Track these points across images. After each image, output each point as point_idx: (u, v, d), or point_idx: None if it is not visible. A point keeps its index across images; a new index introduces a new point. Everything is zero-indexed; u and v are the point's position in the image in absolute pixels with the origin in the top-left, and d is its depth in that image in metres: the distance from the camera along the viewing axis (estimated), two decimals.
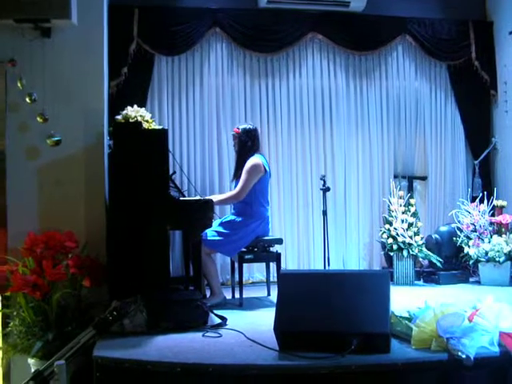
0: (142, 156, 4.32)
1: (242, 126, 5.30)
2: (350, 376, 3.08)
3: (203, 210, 4.48)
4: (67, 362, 3.31)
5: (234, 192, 5.13)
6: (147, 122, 4.73)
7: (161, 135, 4.46)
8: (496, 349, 3.19)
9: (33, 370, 3.61)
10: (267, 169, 5.21)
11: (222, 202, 5.30)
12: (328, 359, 3.10)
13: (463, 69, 6.90)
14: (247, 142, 5.21)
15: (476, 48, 6.85)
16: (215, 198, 5.11)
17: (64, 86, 4.63)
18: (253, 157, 5.15)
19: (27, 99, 4.41)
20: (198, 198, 4.81)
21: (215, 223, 5.04)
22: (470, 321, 3.38)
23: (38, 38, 4.50)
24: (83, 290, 4.25)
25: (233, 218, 5.13)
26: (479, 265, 5.96)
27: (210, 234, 4.96)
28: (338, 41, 6.60)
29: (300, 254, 6.55)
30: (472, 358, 3.02)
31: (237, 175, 5.23)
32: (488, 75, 6.89)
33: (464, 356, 3.02)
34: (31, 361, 4.00)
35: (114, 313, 3.64)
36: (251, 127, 5.31)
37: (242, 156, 5.21)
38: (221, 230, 5.01)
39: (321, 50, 6.65)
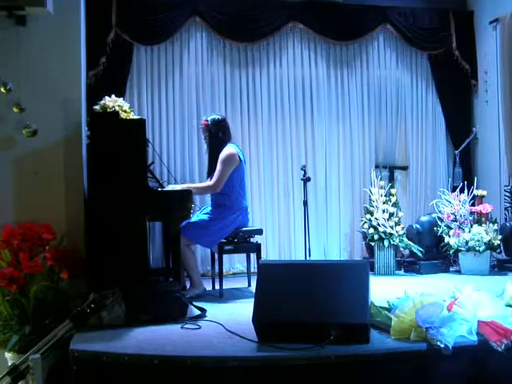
0: (120, 146, 4.27)
1: (210, 118, 5.09)
2: (329, 367, 3.06)
3: (182, 201, 4.44)
4: (44, 356, 3.27)
5: (210, 183, 4.94)
6: (125, 111, 4.68)
7: (139, 125, 4.41)
8: (474, 338, 3.20)
9: (9, 364, 3.56)
10: (242, 158, 5.07)
11: (198, 191, 5.07)
12: (307, 350, 3.09)
13: (444, 58, 6.92)
14: (218, 133, 5.02)
15: (456, 37, 6.87)
16: (190, 185, 4.98)
17: (40, 75, 4.52)
18: (226, 147, 5.00)
19: (2, 89, 4.31)
20: (177, 188, 4.76)
21: (195, 214, 4.97)
22: (449, 310, 3.39)
23: (13, 27, 4.40)
24: (61, 282, 4.17)
25: (212, 209, 5.03)
26: (459, 254, 5.99)
27: (189, 225, 4.87)
28: (319, 30, 6.57)
29: (281, 244, 6.54)
30: (450, 347, 3.03)
31: (212, 170, 5.01)
32: (468, 65, 6.91)
33: (442, 345, 3.03)
34: (8, 355, 3.94)
35: (92, 305, 3.60)
36: (220, 117, 5.11)
37: (215, 148, 5.02)
38: (200, 221, 4.92)
39: (301, 39, 6.62)
